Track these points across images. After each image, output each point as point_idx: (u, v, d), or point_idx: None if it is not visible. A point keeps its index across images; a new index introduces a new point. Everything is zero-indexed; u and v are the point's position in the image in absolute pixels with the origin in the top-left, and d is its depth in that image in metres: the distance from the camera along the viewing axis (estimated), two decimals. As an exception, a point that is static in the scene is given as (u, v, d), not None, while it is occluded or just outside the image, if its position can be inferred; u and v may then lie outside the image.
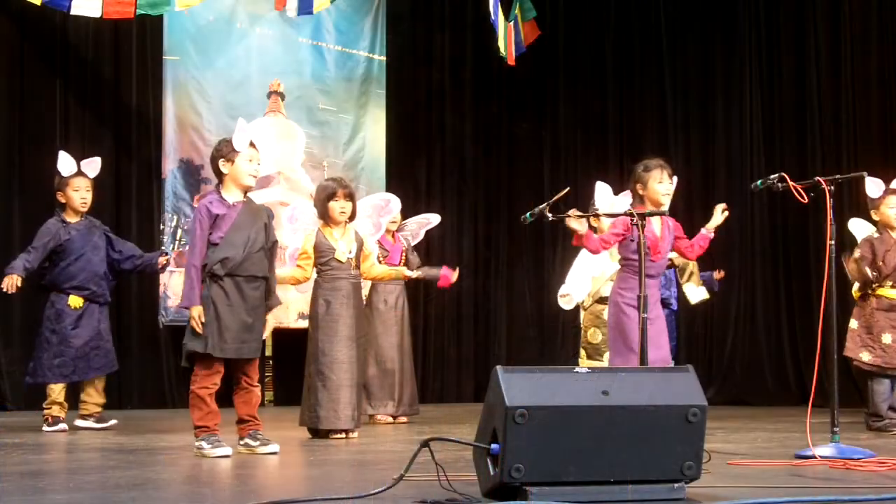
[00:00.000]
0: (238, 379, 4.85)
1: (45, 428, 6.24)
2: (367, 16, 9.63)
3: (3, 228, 8.04)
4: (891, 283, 6.23)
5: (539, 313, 10.26)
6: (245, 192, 4.89)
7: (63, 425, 6.26)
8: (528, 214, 5.74)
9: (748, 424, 6.71)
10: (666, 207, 5.09)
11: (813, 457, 4.34)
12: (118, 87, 8.57)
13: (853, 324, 6.34)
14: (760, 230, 9.69)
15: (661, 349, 5.07)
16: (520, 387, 3.02)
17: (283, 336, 8.87)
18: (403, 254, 7.19)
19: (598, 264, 6.53)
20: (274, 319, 4.98)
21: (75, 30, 8.27)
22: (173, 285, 8.35)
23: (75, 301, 6.43)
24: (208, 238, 4.74)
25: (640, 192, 5.11)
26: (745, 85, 9.86)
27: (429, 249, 10.02)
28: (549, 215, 5.74)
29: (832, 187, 4.77)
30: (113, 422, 6.54)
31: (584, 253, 6.48)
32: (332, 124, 9.37)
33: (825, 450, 4.42)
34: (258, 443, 4.82)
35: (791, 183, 4.80)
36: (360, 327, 5.95)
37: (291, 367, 8.94)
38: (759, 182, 5.00)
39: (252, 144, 4.85)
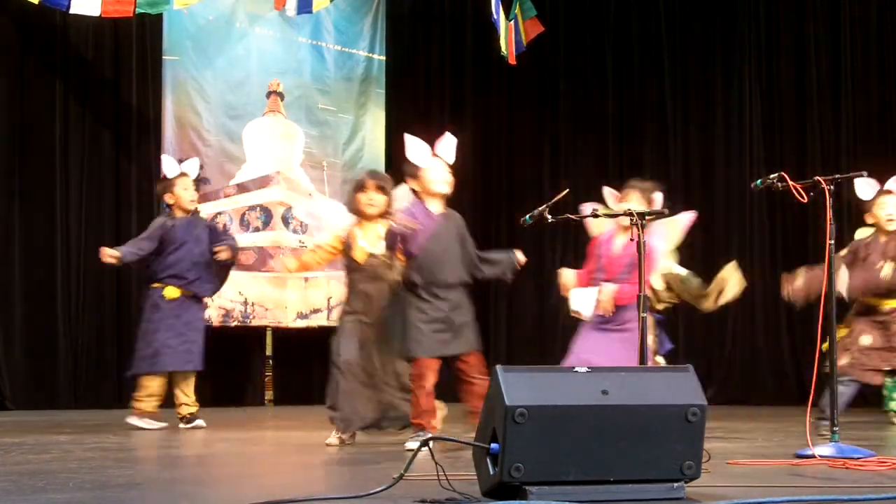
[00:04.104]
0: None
1: (134, 421, 6.40)
2: (367, 16, 9.62)
3: (2, 228, 8.04)
4: None
5: (539, 313, 10.24)
6: None
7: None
8: (527, 217, 5.73)
9: (748, 424, 6.71)
10: None
11: (813, 457, 4.34)
12: (118, 87, 8.57)
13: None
14: (760, 230, 9.68)
15: None
16: (520, 386, 3.02)
17: (283, 336, 8.87)
18: None
19: None
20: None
21: (75, 30, 8.27)
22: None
23: (171, 292, 6.52)
24: None
25: None
26: (745, 84, 9.84)
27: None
28: (549, 217, 5.74)
29: (832, 187, 4.77)
30: (199, 422, 6.52)
31: None
32: (331, 124, 9.36)
33: (825, 450, 4.42)
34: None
35: (791, 182, 4.80)
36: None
37: (291, 367, 8.95)
38: (758, 182, 5.00)
39: None
